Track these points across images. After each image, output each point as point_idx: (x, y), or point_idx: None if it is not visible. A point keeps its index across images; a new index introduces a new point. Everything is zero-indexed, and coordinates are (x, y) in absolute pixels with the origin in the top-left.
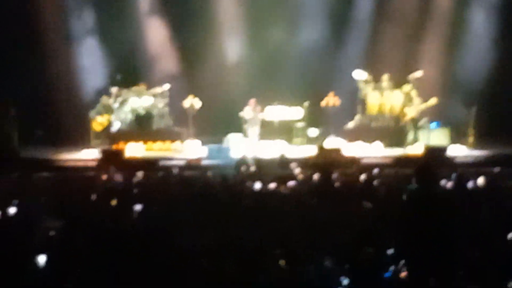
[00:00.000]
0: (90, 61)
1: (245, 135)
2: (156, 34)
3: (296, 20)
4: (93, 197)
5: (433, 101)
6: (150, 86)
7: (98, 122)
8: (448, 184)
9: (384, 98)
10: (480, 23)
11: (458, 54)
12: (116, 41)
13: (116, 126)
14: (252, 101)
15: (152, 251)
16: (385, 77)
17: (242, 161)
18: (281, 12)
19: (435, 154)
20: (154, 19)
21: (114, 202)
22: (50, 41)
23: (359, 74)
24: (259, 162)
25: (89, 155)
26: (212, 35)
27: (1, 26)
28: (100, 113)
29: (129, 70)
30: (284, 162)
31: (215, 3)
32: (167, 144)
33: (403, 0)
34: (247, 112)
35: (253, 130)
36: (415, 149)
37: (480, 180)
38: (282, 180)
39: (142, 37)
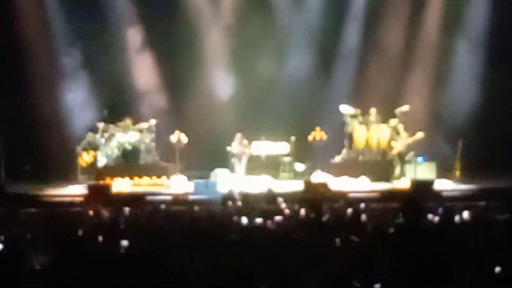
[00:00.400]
0: (77, 96)
1: (232, 169)
2: (143, 69)
3: (283, 54)
4: (80, 232)
5: (419, 135)
6: (136, 121)
7: (83, 159)
8: (435, 218)
9: (371, 132)
10: (466, 57)
11: (444, 88)
12: (104, 77)
13: (102, 162)
14: (238, 135)
15: (140, 280)
16: (372, 111)
17: (229, 196)
18: (269, 46)
19: (422, 188)
20: (142, 54)
21: (101, 238)
22: (39, 77)
23: (346, 108)
24: (245, 197)
25: (76, 190)
26: (200, 70)
27: None
28: (85, 150)
29: (116, 105)
30: (270, 197)
31: (203, 38)
32: (154, 179)
33: (390, 34)
34: (234, 146)
35: (240, 165)
36: (402, 183)
37: (466, 214)
38: (268, 215)
39: (129, 72)
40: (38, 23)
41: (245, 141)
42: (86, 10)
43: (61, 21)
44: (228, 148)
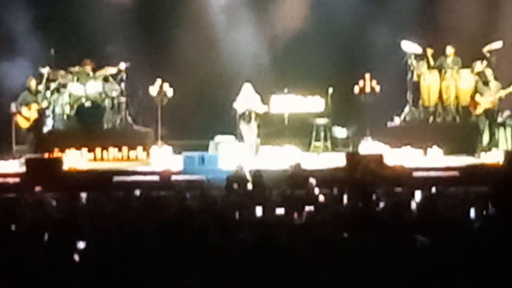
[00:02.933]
0: (10, 28)
1: (240, 137)
2: None
3: None
4: (15, 228)
5: None
6: (99, 65)
7: (24, 116)
8: None
9: (447, 81)
10: None
11: None
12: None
13: (49, 125)
14: (247, 86)
15: None
16: (449, 50)
17: (236, 176)
18: None
19: None
20: None
21: (46, 237)
22: None
23: (409, 46)
24: (260, 177)
25: (9, 167)
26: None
27: None
28: (26, 103)
29: (69, 42)
30: (299, 177)
31: None
32: (125, 151)
33: None
34: (240, 103)
35: (250, 130)
36: (493, 157)
37: None
38: (295, 204)
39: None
40: None
41: (257, 96)
42: None
43: None
44: (234, 105)
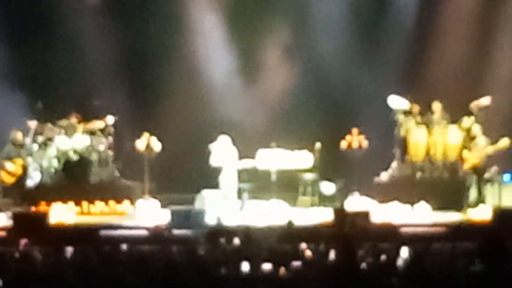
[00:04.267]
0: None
1: (222, 189)
2: (98, 42)
3: (307, 22)
4: (2, 284)
5: (505, 142)
6: (87, 118)
7: (8, 170)
8: None
9: (434, 136)
10: None
11: None
12: (39, 53)
13: (35, 179)
14: (223, 139)
15: None
16: (436, 106)
17: (222, 231)
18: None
19: (509, 221)
20: (96, 20)
21: None
22: None
23: (397, 102)
24: (247, 232)
25: None
26: (180, 43)
27: None
28: (10, 158)
29: (56, 96)
30: (291, 234)
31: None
32: (112, 205)
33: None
34: (215, 157)
35: (230, 183)
36: (480, 213)
37: None
38: (281, 259)
39: (78, 47)
40: None
41: (233, 149)
42: None
43: None
44: (211, 161)
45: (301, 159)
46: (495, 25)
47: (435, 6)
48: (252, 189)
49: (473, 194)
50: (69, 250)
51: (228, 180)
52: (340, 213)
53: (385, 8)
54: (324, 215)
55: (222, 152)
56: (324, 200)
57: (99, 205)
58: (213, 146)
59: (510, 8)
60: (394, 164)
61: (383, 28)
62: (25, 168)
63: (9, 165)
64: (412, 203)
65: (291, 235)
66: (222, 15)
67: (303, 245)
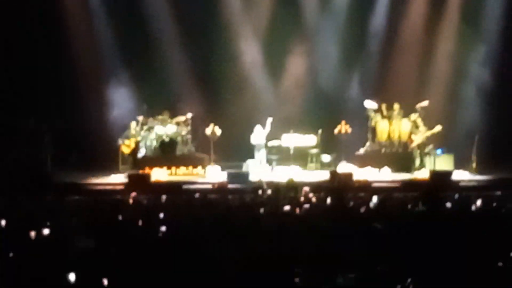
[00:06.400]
0: (120, 91)
1: (255, 160)
2: (181, 66)
3: (311, 51)
4: (121, 218)
5: (438, 128)
6: (174, 114)
7: (126, 144)
8: (452, 206)
9: (393, 126)
10: (485, 53)
11: (462, 84)
12: (145, 74)
13: (142, 152)
14: (257, 127)
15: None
16: (396, 106)
17: (259, 185)
18: (297, 43)
19: (440, 179)
20: (178, 54)
21: (140, 223)
22: (84, 75)
23: (370, 103)
24: (274, 186)
25: (117, 179)
26: (233, 69)
27: (46, 67)
28: (128, 138)
29: (155, 100)
30: (292, 186)
31: (237, 39)
32: (190, 169)
33: (412, 30)
34: (253, 138)
35: (260, 155)
36: (422, 174)
37: (479, 202)
38: (296, 203)
39: (169, 69)
40: (85, 30)
41: (262, 131)
42: (125, 12)
43: (106, 29)
44: (251, 141)
45: (309, 140)
46: (434, 51)
47: (394, 34)
48: (278, 159)
49: (417, 162)
50: (163, 197)
51: (261, 152)
52: (334, 174)
53: (365, 34)
54: (324, 175)
55: (257, 135)
56: (323, 166)
57: (182, 169)
58: (253, 132)
59: (446, 34)
60: (368, 143)
61: (362, 50)
62: (136, 144)
63: (127, 142)
64: (379, 168)
65: (297, 187)
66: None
67: (311, 194)
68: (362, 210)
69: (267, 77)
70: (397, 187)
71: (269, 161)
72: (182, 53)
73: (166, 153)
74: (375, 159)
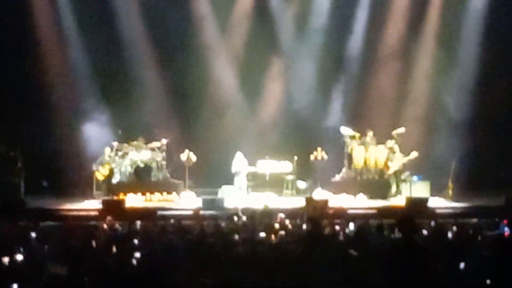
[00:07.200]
0: (94, 119)
1: (235, 186)
2: (155, 92)
3: (287, 78)
4: (95, 244)
5: (414, 154)
6: (149, 140)
7: (101, 172)
8: (428, 233)
9: (369, 152)
10: (461, 79)
11: (438, 112)
12: (118, 101)
13: (116, 178)
14: (238, 154)
15: None
16: (370, 133)
17: (234, 212)
18: (274, 70)
19: (416, 205)
20: (153, 78)
21: (114, 249)
22: (58, 104)
23: (346, 130)
24: (249, 213)
25: (91, 205)
26: (208, 95)
27: (17, 92)
28: (102, 164)
29: (130, 126)
30: (267, 212)
31: (213, 64)
32: (165, 195)
33: (388, 55)
34: (234, 165)
35: (241, 181)
36: (398, 201)
37: (455, 229)
38: (271, 230)
39: (142, 96)
40: (58, 53)
41: (245, 160)
42: (100, 34)
43: (79, 52)
44: (232, 168)
45: (285, 166)
46: (409, 80)
47: (371, 65)
48: (253, 185)
49: (393, 188)
50: (138, 223)
51: (242, 179)
52: (309, 200)
53: (341, 57)
54: (299, 202)
55: (238, 162)
56: (299, 192)
57: (157, 195)
58: (234, 159)
59: (423, 59)
60: (344, 170)
61: (338, 74)
62: (111, 171)
63: (101, 169)
64: (354, 195)
65: (271, 214)
66: (233, 63)
67: (286, 221)
68: (339, 237)
69: (243, 103)
70: (373, 214)
71: (247, 188)
72: (157, 78)
73: (141, 179)
74: (351, 186)
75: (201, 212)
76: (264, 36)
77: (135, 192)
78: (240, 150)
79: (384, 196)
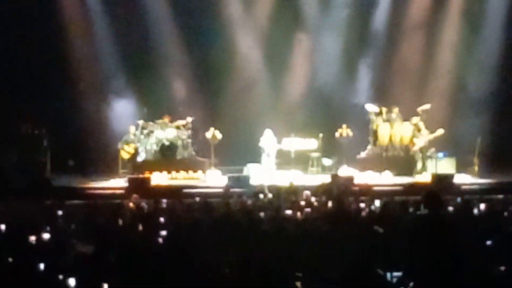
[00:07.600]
0: (120, 96)
1: (263, 164)
2: (180, 70)
3: (313, 56)
4: (121, 222)
5: (440, 131)
6: (174, 118)
7: (126, 150)
8: (454, 210)
9: (394, 129)
10: (487, 55)
11: (462, 88)
12: (144, 80)
13: (142, 157)
14: (267, 131)
15: (177, 268)
16: (395, 110)
17: (260, 189)
18: (298, 48)
19: (442, 182)
20: (178, 57)
21: (140, 227)
22: (85, 80)
23: (371, 107)
24: (275, 190)
25: (117, 183)
26: (233, 73)
27: (45, 71)
28: (127, 143)
29: (155, 105)
30: (293, 190)
31: (237, 43)
32: (190, 173)
33: (414, 31)
34: (263, 142)
35: (269, 159)
36: (423, 177)
37: (483, 206)
38: (297, 207)
39: (168, 74)
40: (85, 34)
41: (274, 138)
42: (125, 15)
43: (105, 32)
44: (260, 144)
45: (310, 144)
46: (434, 55)
47: (396, 41)
48: (279, 163)
49: (419, 165)
50: (163, 201)
51: (270, 157)
52: (335, 177)
53: (366, 33)
54: (325, 179)
55: (267, 140)
56: (324, 169)
57: (182, 173)
58: (263, 136)
59: (448, 37)
60: (369, 147)
61: (363, 51)
62: (136, 150)
63: (126, 147)
64: (380, 172)
65: (297, 191)
66: (258, 41)
67: (312, 198)
68: (363, 213)
69: (268, 80)
70: (399, 190)
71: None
72: (182, 56)
73: (166, 157)
74: (376, 163)
75: (227, 190)
76: (289, 11)
77: (160, 171)
78: (268, 128)
79: (410, 173)
